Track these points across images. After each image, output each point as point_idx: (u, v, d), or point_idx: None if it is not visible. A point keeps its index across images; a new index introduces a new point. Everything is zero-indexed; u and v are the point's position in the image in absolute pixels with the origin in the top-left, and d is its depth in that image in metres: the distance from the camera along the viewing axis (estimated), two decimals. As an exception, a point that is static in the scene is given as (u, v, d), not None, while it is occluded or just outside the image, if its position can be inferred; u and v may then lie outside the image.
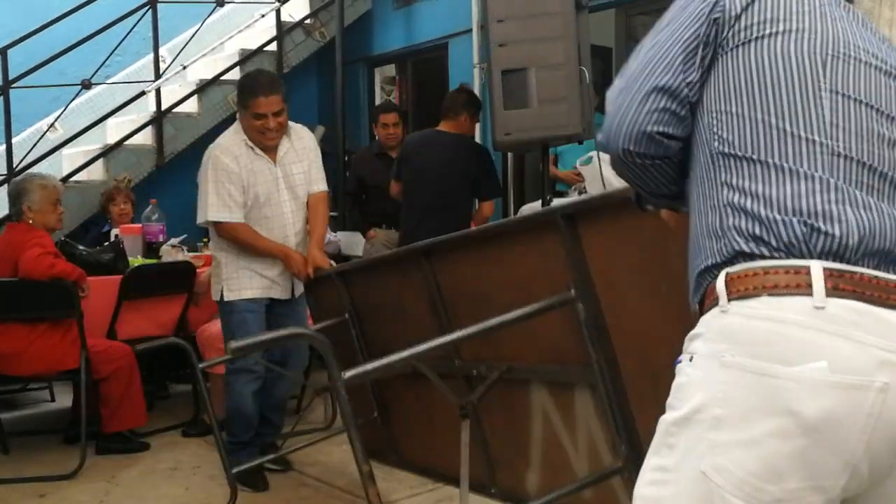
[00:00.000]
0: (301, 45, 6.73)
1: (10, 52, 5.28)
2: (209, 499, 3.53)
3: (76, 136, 5.77)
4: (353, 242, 5.43)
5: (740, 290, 1.14)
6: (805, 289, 1.10)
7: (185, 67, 6.11)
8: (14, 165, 5.36)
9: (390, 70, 7.50)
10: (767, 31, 1.24)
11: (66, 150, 5.89)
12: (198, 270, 4.48)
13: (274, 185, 3.49)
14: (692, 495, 1.14)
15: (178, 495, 3.58)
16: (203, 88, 6.28)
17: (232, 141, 3.47)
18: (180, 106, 6.20)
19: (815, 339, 1.08)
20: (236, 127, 3.53)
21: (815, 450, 1.08)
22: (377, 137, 5.39)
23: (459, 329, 2.32)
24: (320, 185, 3.68)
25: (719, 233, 1.19)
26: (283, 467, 3.73)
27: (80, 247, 4.41)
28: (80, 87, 5.64)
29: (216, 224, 3.47)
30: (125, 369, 4.05)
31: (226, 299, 3.51)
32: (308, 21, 6.74)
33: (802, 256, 1.12)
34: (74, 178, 5.72)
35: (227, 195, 3.40)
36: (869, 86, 1.23)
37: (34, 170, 5.14)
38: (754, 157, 1.19)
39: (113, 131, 6.19)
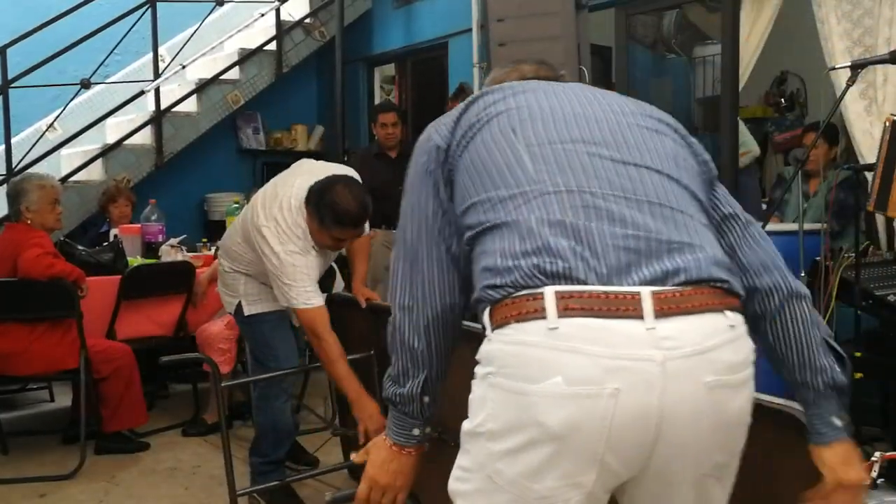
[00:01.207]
0: (301, 44, 6.73)
1: (8, 51, 5.27)
2: (209, 499, 3.53)
3: (75, 136, 5.77)
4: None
5: (498, 320, 1.29)
6: (541, 313, 1.24)
7: (184, 67, 6.10)
8: (13, 165, 5.36)
9: (390, 70, 7.49)
10: (472, 134, 1.46)
11: (64, 150, 5.89)
12: (197, 270, 4.48)
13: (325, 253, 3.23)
14: (483, 492, 1.32)
15: (178, 495, 3.58)
16: (202, 88, 6.28)
17: (299, 237, 3.05)
18: (179, 105, 6.19)
19: (551, 356, 1.22)
20: (298, 223, 3.06)
21: (562, 453, 1.23)
22: (376, 137, 5.39)
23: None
24: (368, 229, 3.51)
25: (477, 295, 1.35)
26: (312, 466, 3.69)
27: (79, 247, 4.41)
28: (79, 86, 5.63)
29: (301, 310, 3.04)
30: (125, 369, 4.05)
31: (246, 313, 3.31)
32: (308, 20, 6.74)
33: (538, 286, 1.26)
34: (73, 178, 5.72)
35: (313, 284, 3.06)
36: (570, 130, 1.43)
37: (33, 170, 5.13)
38: (488, 225, 1.36)
39: (112, 131, 6.19)
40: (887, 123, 3.03)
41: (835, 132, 4.63)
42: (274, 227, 3.05)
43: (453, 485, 1.38)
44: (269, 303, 3.30)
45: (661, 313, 1.23)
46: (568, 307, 1.23)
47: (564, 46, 3.45)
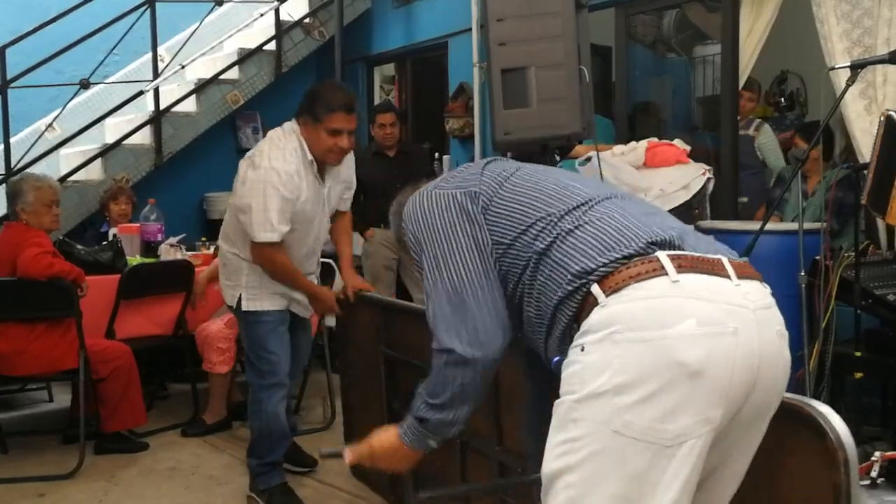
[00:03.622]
0: (300, 44, 6.72)
1: (7, 51, 5.26)
2: (209, 498, 3.53)
3: (74, 136, 5.76)
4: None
5: (612, 286, 1.44)
6: (661, 271, 1.42)
7: (183, 67, 6.09)
8: (12, 165, 5.35)
9: (389, 69, 7.48)
10: (501, 179, 1.70)
11: (63, 150, 5.88)
12: (196, 269, 4.48)
13: (318, 205, 3.28)
14: (605, 453, 1.39)
15: (177, 495, 3.58)
16: (202, 88, 6.27)
17: (293, 155, 3.13)
18: (179, 105, 6.18)
19: (681, 304, 1.40)
20: (292, 137, 3.18)
21: (698, 390, 1.36)
22: (375, 137, 5.38)
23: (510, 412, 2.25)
24: (348, 204, 3.59)
25: (572, 287, 1.51)
26: (311, 468, 3.69)
27: (79, 246, 4.40)
28: (78, 86, 5.62)
29: (260, 245, 3.14)
30: (124, 369, 4.04)
31: (245, 308, 3.29)
32: (307, 20, 6.73)
33: (649, 253, 1.46)
34: (72, 177, 5.71)
35: (284, 217, 3.10)
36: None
37: (32, 170, 5.12)
38: (561, 233, 1.57)
39: (111, 131, 6.19)
40: (882, 118, 3.03)
41: (829, 132, 4.64)
42: (266, 148, 3.15)
43: (555, 463, 1.44)
44: (268, 300, 3.30)
45: (739, 275, 1.47)
46: (681, 265, 1.43)
47: (564, 46, 3.44)
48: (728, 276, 1.45)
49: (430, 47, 6.54)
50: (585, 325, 1.45)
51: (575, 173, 1.81)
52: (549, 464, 1.45)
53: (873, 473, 2.38)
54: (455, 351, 1.58)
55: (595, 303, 1.45)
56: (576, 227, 1.54)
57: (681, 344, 1.35)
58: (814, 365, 3.35)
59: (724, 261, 1.47)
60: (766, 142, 5.28)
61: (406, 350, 3.04)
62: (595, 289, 1.45)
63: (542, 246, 1.56)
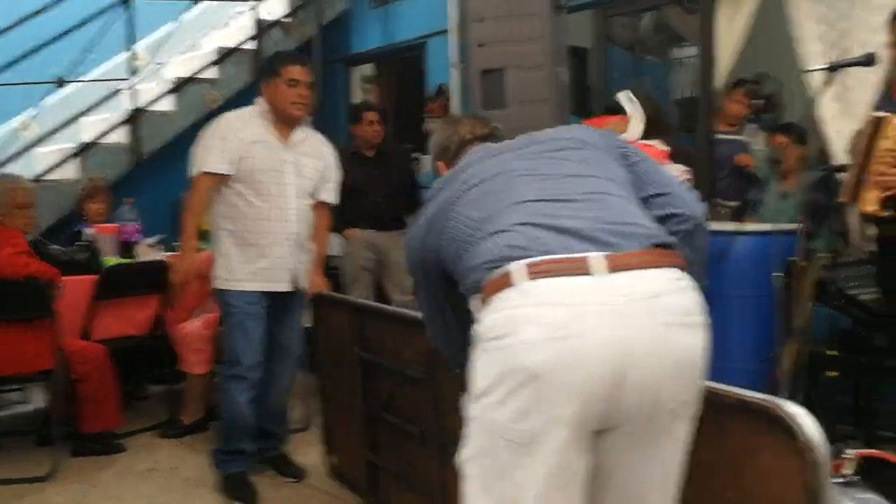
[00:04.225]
0: (279, 43, 6.69)
1: (-18, 49, 5.21)
2: (187, 499, 3.51)
3: (50, 135, 5.71)
4: (329, 243, 5.41)
5: (483, 301, 1.58)
6: (512, 281, 1.52)
7: (161, 66, 6.05)
8: (-13, 164, 5.30)
9: (368, 69, 7.48)
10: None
11: (39, 149, 5.82)
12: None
13: (279, 165, 3.41)
14: (485, 446, 1.53)
15: (155, 496, 3.56)
16: (180, 87, 6.24)
17: (247, 112, 3.48)
18: (156, 104, 6.14)
19: (528, 312, 1.48)
20: (252, 107, 3.51)
21: (542, 391, 1.44)
22: (356, 137, 5.37)
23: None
24: (331, 195, 3.66)
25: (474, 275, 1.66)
26: (297, 479, 3.64)
27: (54, 246, 4.36)
28: (54, 84, 5.57)
29: (192, 178, 3.40)
30: (100, 370, 4.01)
31: (218, 286, 3.43)
32: (286, 19, 6.70)
33: (507, 263, 1.54)
34: (48, 176, 5.65)
35: (219, 156, 3.34)
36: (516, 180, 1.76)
37: (7, 169, 5.07)
38: (473, 239, 1.73)
39: (88, 129, 6.13)
40: (868, 120, 3.07)
41: (804, 132, 4.68)
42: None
43: (461, 455, 1.59)
44: (241, 280, 3.37)
45: (613, 269, 1.50)
46: (533, 272, 1.50)
47: (542, 48, 3.46)
48: (589, 273, 1.49)
49: (408, 47, 6.54)
50: (473, 332, 1.60)
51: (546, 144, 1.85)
52: (460, 455, 1.60)
53: (847, 471, 2.41)
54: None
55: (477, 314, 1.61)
56: (480, 238, 1.67)
57: (525, 349, 1.45)
58: (789, 364, 3.39)
59: (592, 257, 1.51)
60: (760, 148, 5.27)
61: (381, 352, 3.05)
62: (476, 301, 1.62)
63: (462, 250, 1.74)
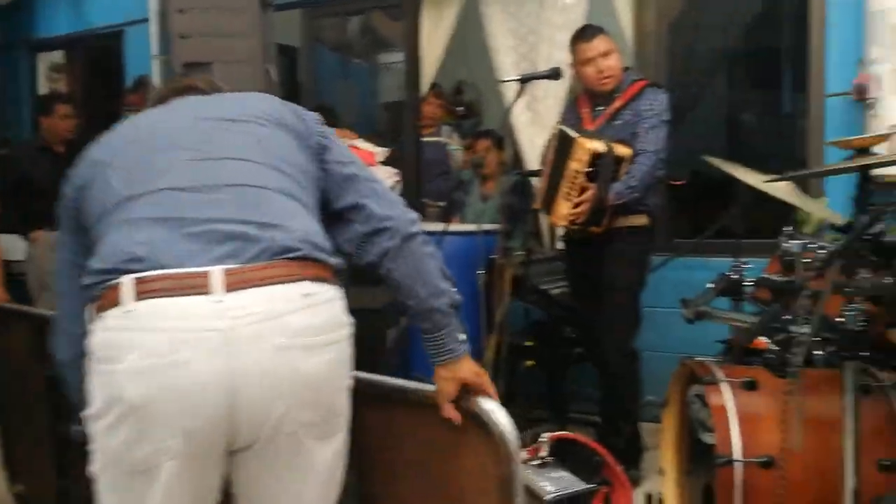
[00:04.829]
0: (-56, 22, 5.91)
1: None
2: None
3: None
4: (12, 247, 4.86)
5: (94, 314, 1.44)
6: (118, 300, 1.38)
7: None
8: None
9: (58, 57, 6.82)
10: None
11: None
12: None
13: None
14: (105, 468, 1.43)
15: None
16: None
17: None
18: None
19: (129, 336, 1.37)
20: None
21: (146, 422, 1.36)
22: (44, 130, 4.88)
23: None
24: None
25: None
26: None
27: None
28: None
29: None
30: None
31: None
32: (-47, -5, 5.93)
33: (117, 277, 1.40)
34: None
35: None
36: (157, 152, 1.56)
37: None
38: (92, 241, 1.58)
39: None
40: (554, 132, 3.34)
41: (502, 139, 5.01)
42: None
43: (91, 467, 1.46)
44: None
45: (231, 287, 1.38)
46: (142, 291, 1.37)
47: (249, 44, 3.37)
48: (210, 292, 1.37)
49: (103, 35, 6.07)
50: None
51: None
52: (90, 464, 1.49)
53: (543, 454, 2.60)
54: None
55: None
56: (100, 235, 1.51)
57: (124, 379, 1.35)
58: (490, 356, 3.60)
59: (212, 273, 1.38)
60: (458, 148, 5.55)
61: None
62: (89, 309, 1.47)
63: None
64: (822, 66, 3.70)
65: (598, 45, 3.33)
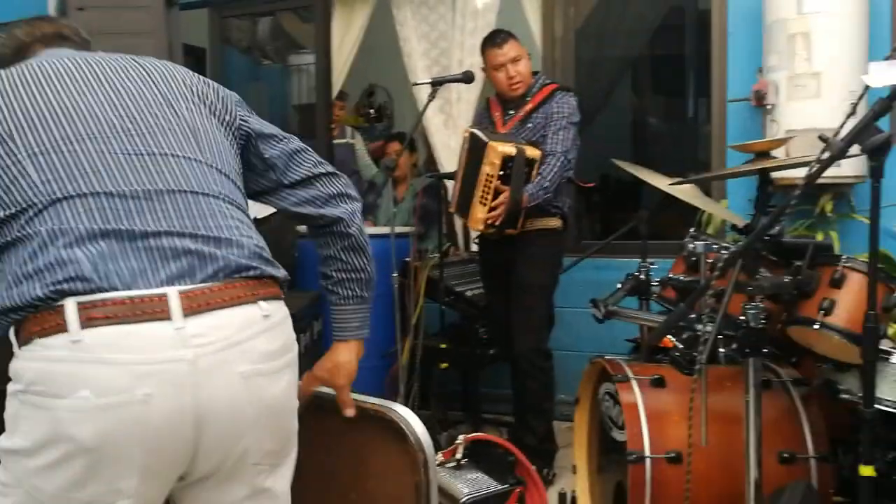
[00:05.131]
0: None
1: None
2: None
3: None
4: None
5: (23, 337, 1.24)
6: (63, 326, 1.21)
7: None
8: None
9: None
10: None
11: None
12: None
13: None
14: None
15: None
16: None
17: None
18: None
19: (77, 370, 1.20)
20: None
21: (99, 462, 1.22)
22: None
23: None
24: None
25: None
26: None
27: None
28: None
29: None
30: None
31: None
32: None
33: (58, 299, 1.22)
34: None
35: None
36: (78, 126, 1.35)
37: None
38: (2, 244, 1.32)
39: None
40: (465, 135, 3.36)
41: (414, 141, 5.03)
42: None
43: None
44: None
45: (190, 311, 1.24)
46: (91, 317, 1.20)
47: (154, 44, 3.27)
48: (169, 318, 1.23)
49: (-2, 33, 5.80)
50: (10, 369, 1.27)
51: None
52: None
53: (458, 456, 2.61)
54: None
55: (11, 346, 1.26)
56: (13, 242, 1.28)
57: (73, 417, 1.19)
58: (406, 359, 3.59)
59: (172, 294, 1.24)
60: (361, 149, 5.56)
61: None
62: (11, 335, 1.27)
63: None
64: (723, 72, 3.83)
65: (508, 50, 3.37)
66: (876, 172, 1.70)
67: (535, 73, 3.49)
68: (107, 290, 1.22)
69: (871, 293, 1.77)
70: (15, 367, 1.25)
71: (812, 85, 3.25)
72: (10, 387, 1.25)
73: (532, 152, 3.21)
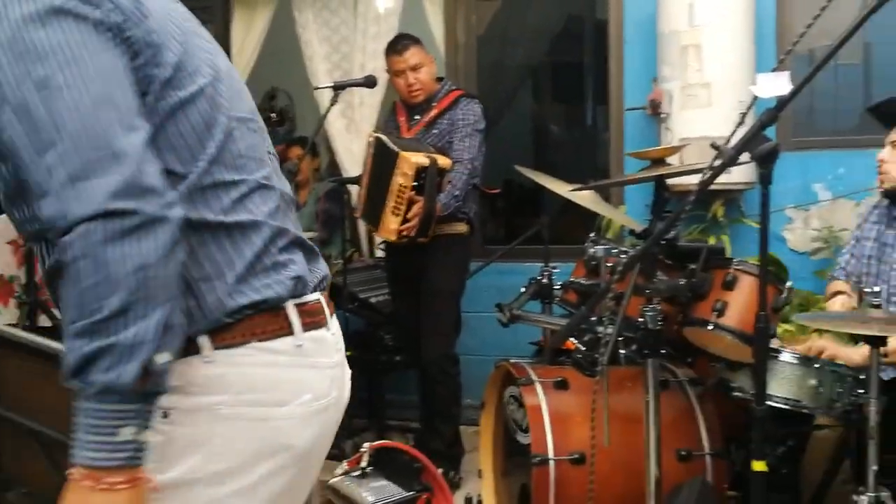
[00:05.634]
0: None
1: None
2: None
3: None
4: None
5: (227, 339, 1.07)
6: (288, 328, 1.12)
7: None
8: None
9: None
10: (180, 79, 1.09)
11: None
12: None
13: None
14: None
15: None
16: None
17: None
18: None
19: (302, 375, 1.14)
20: None
21: (301, 471, 1.18)
22: None
23: None
24: None
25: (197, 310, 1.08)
26: None
27: None
28: None
29: None
30: None
31: None
32: None
33: (283, 299, 1.12)
34: None
35: None
36: (239, 101, 1.25)
37: None
38: (228, 221, 1.11)
39: None
40: (370, 139, 3.33)
41: (316, 146, 4.98)
42: None
43: None
44: None
45: (330, 315, 1.23)
46: (305, 321, 1.14)
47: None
48: (327, 324, 1.20)
49: None
50: (178, 374, 1.01)
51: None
52: None
53: (363, 464, 2.59)
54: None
55: (196, 350, 1.05)
56: (238, 224, 1.10)
57: (292, 424, 1.12)
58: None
59: (323, 300, 1.21)
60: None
61: None
62: (202, 338, 1.06)
63: (213, 220, 1.07)
64: (620, 82, 3.93)
65: (408, 57, 3.37)
66: (765, 179, 1.77)
67: (440, 79, 3.50)
68: (308, 293, 1.17)
69: (762, 295, 1.84)
70: (209, 374, 1.05)
71: (703, 95, 3.37)
72: (186, 401, 1.04)
73: (444, 161, 3.22)
